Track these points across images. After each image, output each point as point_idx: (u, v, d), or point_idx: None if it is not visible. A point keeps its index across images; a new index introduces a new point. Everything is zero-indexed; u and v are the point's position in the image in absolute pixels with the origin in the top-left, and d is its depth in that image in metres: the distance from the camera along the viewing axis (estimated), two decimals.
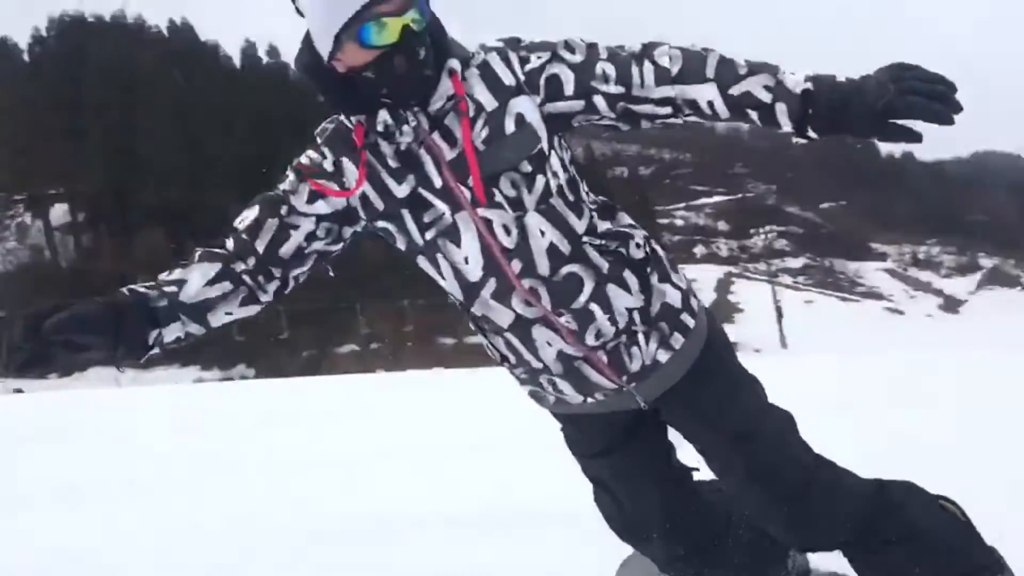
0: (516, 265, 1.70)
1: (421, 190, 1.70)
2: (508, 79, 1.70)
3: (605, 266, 1.75)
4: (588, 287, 1.73)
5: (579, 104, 1.69)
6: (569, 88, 1.68)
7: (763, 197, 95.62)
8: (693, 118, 1.66)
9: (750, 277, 66.58)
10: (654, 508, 2.02)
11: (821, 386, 11.80)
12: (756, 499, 1.89)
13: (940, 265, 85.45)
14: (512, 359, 1.86)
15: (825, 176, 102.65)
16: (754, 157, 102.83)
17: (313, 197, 1.76)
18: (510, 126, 1.67)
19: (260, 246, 1.75)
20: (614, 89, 1.66)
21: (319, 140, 1.79)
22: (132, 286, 1.68)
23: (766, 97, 1.54)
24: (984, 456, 3.88)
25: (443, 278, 1.78)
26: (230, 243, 1.76)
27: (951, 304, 72.23)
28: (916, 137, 1.46)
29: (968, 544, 1.93)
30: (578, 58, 1.69)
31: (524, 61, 1.71)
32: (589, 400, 1.87)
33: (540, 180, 1.69)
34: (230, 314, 1.76)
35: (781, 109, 1.53)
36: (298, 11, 1.66)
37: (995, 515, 2.09)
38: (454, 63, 1.67)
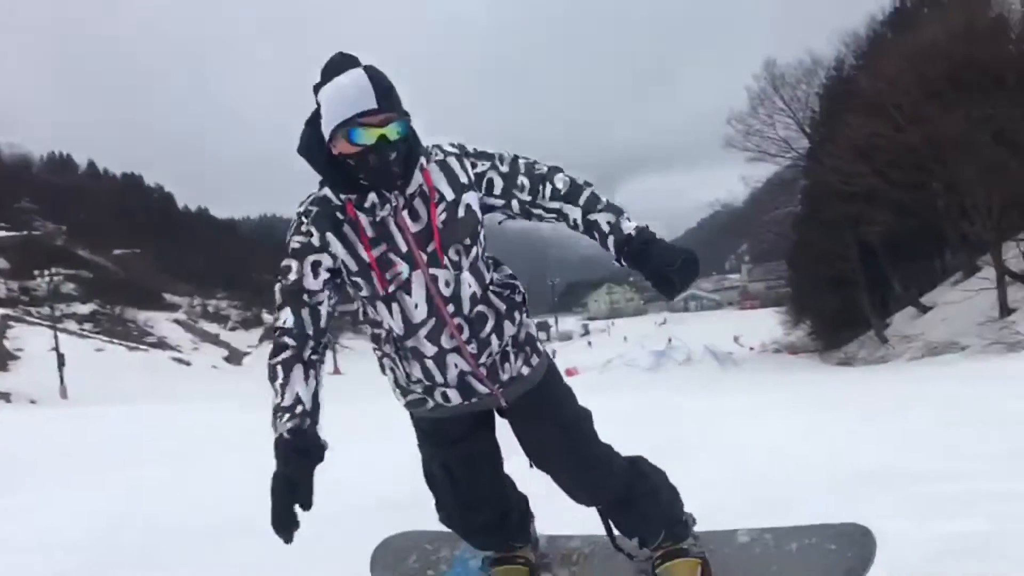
0: (450, 308, 2.43)
1: (390, 253, 2.37)
2: (463, 178, 2.43)
3: (503, 307, 2.55)
4: (491, 322, 2.51)
5: (501, 202, 2.49)
6: (498, 190, 2.47)
7: (52, 237, 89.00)
8: (563, 225, 2.49)
9: (31, 321, 61.09)
10: (486, 485, 2.77)
11: (99, 435, 11.84)
12: (570, 468, 2.68)
13: (227, 318, 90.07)
14: (419, 377, 2.53)
15: (121, 222, 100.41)
16: (44, 193, 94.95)
17: (316, 273, 2.38)
18: (461, 212, 2.41)
19: (310, 330, 2.37)
20: (526, 197, 2.48)
21: (304, 221, 2.40)
22: (292, 428, 2.21)
23: (606, 228, 2.39)
24: None
25: (392, 319, 2.45)
26: (290, 341, 2.35)
27: (235, 356, 76.62)
28: (669, 294, 2.31)
29: (676, 497, 2.90)
30: (505, 169, 2.48)
31: (473, 166, 2.46)
32: (466, 403, 2.56)
33: (474, 249, 2.45)
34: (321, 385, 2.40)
35: (610, 241, 2.38)
36: (317, 103, 2.29)
37: None
38: (423, 160, 2.38)
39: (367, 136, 2.24)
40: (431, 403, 2.59)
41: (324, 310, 2.40)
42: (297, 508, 2.12)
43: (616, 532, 2.90)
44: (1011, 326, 21.46)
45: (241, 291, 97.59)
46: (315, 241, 2.39)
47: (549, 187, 2.48)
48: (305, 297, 2.37)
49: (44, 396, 36.79)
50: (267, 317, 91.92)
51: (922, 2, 36.79)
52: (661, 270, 2.29)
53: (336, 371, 69.18)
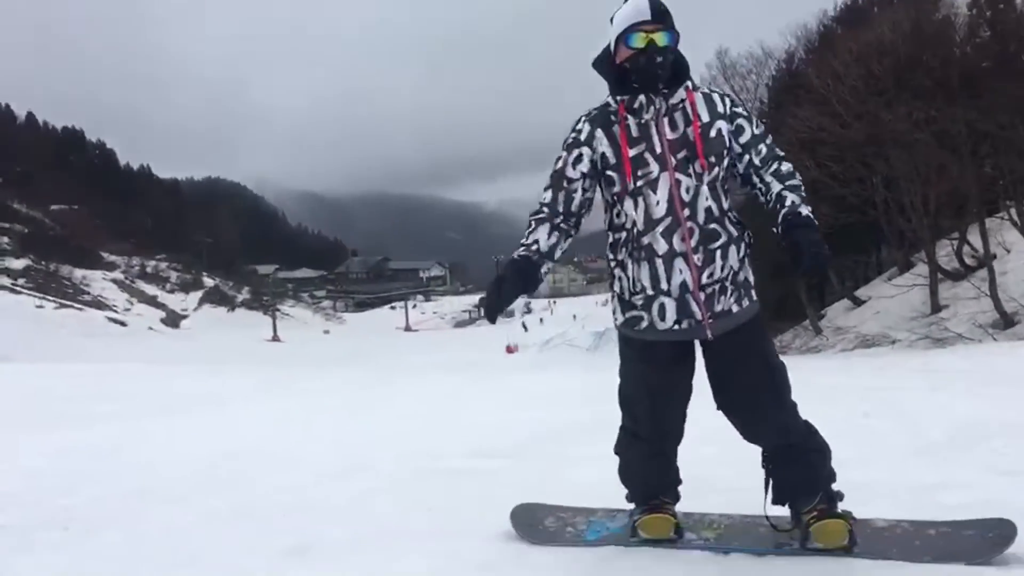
0: (686, 212, 2.85)
1: (646, 153, 2.86)
2: (721, 109, 2.93)
3: (734, 234, 2.93)
4: (721, 240, 2.88)
5: (738, 151, 2.96)
6: (743, 140, 2.96)
7: None
8: (756, 194, 2.99)
9: None
10: (676, 420, 3.12)
11: (28, 393, 11.60)
12: (769, 407, 2.96)
13: (167, 280, 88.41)
14: (645, 284, 2.91)
15: (59, 176, 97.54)
16: None
17: (576, 164, 2.98)
18: (713, 133, 2.89)
19: (561, 209, 2.99)
20: (757, 161, 2.96)
21: (582, 120, 3.00)
22: (523, 254, 2.92)
23: (788, 204, 2.86)
24: None
25: (636, 212, 2.89)
26: (546, 211, 2.98)
27: (173, 318, 75.29)
28: (798, 270, 2.81)
29: (830, 461, 3.14)
30: (757, 131, 2.98)
31: (733, 107, 2.96)
32: (675, 327, 2.90)
33: (715, 170, 2.90)
34: (563, 250, 3.01)
35: (786, 210, 2.86)
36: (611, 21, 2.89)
37: None
38: (690, 83, 2.91)
39: (639, 40, 2.80)
40: (645, 322, 2.97)
41: (578, 197, 2.99)
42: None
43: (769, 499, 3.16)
44: (940, 322, 22.16)
45: (181, 253, 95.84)
46: (582, 136, 2.97)
47: (776, 164, 2.97)
48: (564, 183, 2.97)
49: None
50: (207, 280, 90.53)
51: (872, 0, 37.40)
52: (806, 249, 2.75)
53: (275, 338, 68.60)
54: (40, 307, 61.10)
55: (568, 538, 3.52)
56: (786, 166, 2.98)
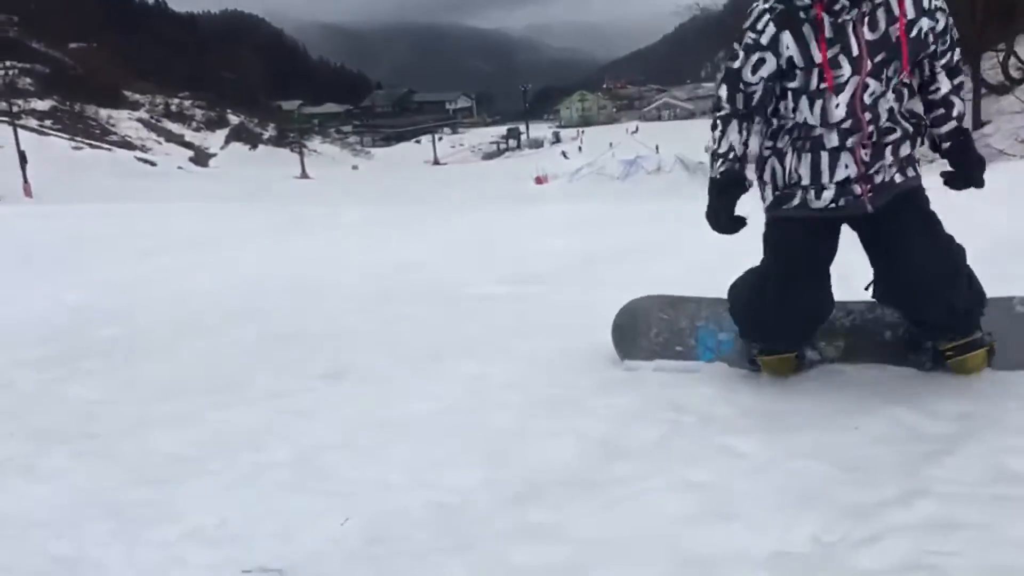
0: (867, 116, 2.65)
1: (841, 55, 2.58)
2: (926, 5, 2.61)
3: (909, 130, 2.74)
4: (895, 135, 2.70)
5: (927, 52, 2.69)
6: (931, 43, 2.67)
7: (3, 27, 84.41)
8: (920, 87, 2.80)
9: None
10: (826, 289, 2.90)
11: (71, 232, 11.79)
12: (933, 286, 2.69)
13: (192, 119, 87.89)
14: (803, 175, 2.75)
15: (73, 14, 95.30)
16: None
17: (755, 70, 2.70)
18: (914, 32, 2.61)
19: (741, 106, 2.77)
20: (937, 52, 2.71)
21: (762, 19, 2.65)
22: (724, 170, 2.78)
23: (953, 113, 2.76)
24: None
25: (810, 113, 2.69)
26: (726, 106, 2.78)
27: (201, 157, 75.40)
28: (955, 187, 2.78)
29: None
30: (949, 21, 2.69)
31: (938, 8, 2.65)
32: (832, 205, 2.73)
33: (904, 72, 2.67)
34: (757, 133, 2.85)
35: (949, 125, 2.76)
36: None
37: None
38: None
39: None
40: (797, 200, 2.80)
41: (757, 96, 2.77)
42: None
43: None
44: (983, 138, 21.49)
45: (204, 91, 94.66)
46: (764, 40, 2.66)
47: (950, 55, 2.76)
48: (741, 85, 2.75)
49: (7, 195, 36.19)
50: (232, 118, 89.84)
51: None
52: (966, 169, 2.74)
53: (304, 175, 68.66)
54: (64, 149, 61.26)
55: (679, 353, 3.39)
56: (956, 55, 2.79)
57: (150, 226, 13.35)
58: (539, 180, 45.77)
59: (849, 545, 1.92)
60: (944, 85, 2.76)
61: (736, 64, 2.73)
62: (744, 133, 2.79)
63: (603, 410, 2.99)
